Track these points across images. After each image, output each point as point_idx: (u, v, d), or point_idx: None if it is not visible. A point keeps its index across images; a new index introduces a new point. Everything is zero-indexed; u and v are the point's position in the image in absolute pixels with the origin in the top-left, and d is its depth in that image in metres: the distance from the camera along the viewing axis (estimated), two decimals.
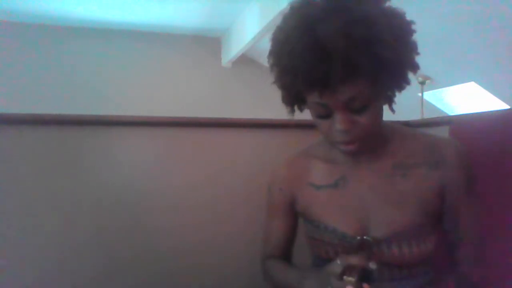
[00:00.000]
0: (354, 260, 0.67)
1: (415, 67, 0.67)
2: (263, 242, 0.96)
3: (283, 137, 1.32)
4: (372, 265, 0.67)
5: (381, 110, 0.71)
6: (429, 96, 4.40)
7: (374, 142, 0.77)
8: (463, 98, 4.29)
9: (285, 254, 0.93)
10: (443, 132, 1.17)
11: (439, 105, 4.64)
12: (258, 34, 3.64)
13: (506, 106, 3.78)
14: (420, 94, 3.92)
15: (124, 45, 4.71)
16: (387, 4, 0.66)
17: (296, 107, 0.75)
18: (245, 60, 5.01)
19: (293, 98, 0.72)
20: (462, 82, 3.92)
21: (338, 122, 0.67)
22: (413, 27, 0.66)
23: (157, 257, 1.22)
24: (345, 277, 0.66)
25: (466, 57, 3.42)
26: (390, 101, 0.71)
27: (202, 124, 1.29)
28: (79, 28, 4.51)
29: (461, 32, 3.09)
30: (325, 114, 0.69)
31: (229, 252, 1.28)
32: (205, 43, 5.04)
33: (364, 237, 0.76)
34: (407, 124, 1.33)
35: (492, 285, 0.89)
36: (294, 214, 0.90)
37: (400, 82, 0.67)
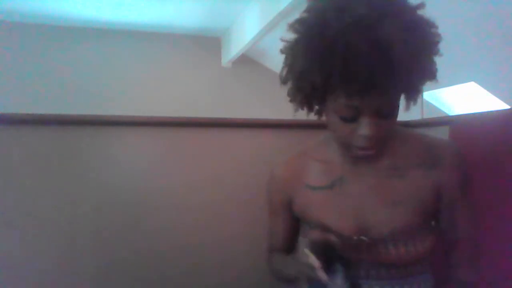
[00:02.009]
0: (314, 234, 0.71)
1: (434, 77, 0.68)
2: (267, 239, 0.97)
3: (283, 137, 1.32)
4: (333, 238, 0.69)
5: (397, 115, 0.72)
6: (429, 96, 4.41)
7: None
8: (463, 98, 4.29)
9: (289, 249, 0.94)
10: (443, 132, 1.17)
11: (439, 105, 4.64)
12: (258, 34, 3.64)
13: (506, 106, 3.78)
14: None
15: (124, 45, 4.71)
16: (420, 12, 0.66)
17: (305, 108, 0.73)
18: (245, 60, 5.01)
19: (312, 99, 0.70)
20: (462, 82, 3.92)
21: (366, 127, 0.66)
22: (439, 38, 0.67)
23: (157, 257, 1.22)
24: (305, 249, 0.67)
25: (466, 57, 3.42)
26: (415, 100, 0.71)
27: (202, 124, 1.29)
28: (79, 28, 4.51)
29: (461, 32, 3.09)
30: (352, 117, 0.67)
31: (230, 252, 1.28)
32: (205, 43, 5.04)
33: (361, 237, 0.76)
34: (407, 124, 1.33)
35: (488, 285, 0.89)
36: (294, 214, 0.90)
37: (420, 90, 0.68)
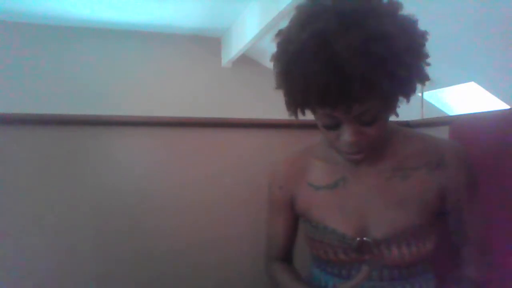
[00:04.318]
0: None
1: (424, 79, 0.66)
2: (266, 242, 0.96)
3: (283, 137, 1.32)
4: None
5: (388, 119, 0.71)
6: (429, 96, 4.41)
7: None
8: (463, 98, 4.29)
9: (288, 254, 0.93)
10: (443, 132, 1.16)
11: (439, 105, 4.65)
12: (258, 34, 3.64)
13: (506, 106, 3.78)
14: (420, 94, 3.93)
15: (124, 45, 4.71)
16: (401, 12, 0.64)
17: (299, 111, 0.73)
18: (245, 60, 5.01)
19: (299, 106, 0.70)
20: (462, 82, 3.92)
21: (347, 134, 0.67)
22: (426, 37, 0.65)
23: (156, 257, 1.22)
24: None
25: (466, 57, 3.42)
26: (395, 109, 0.70)
27: (202, 124, 1.29)
28: (79, 28, 4.51)
29: (461, 32, 3.09)
30: (333, 125, 0.68)
31: (230, 252, 1.28)
32: (205, 43, 5.04)
33: (364, 238, 0.76)
34: (407, 124, 1.33)
35: (494, 286, 0.89)
36: (295, 212, 0.90)
37: (409, 93, 0.67)
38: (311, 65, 0.60)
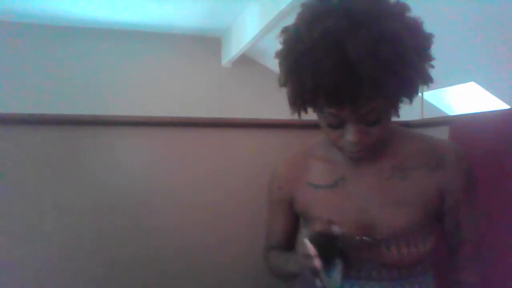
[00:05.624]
0: (317, 225, 0.68)
1: (428, 81, 0.67)
2: (264, 238, 0.97)
3: (283, 137, 1.32)
4: (337, 230, 0.67)
5: (390, 119, 0.72)
6: (429, 96, 4.41)
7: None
8: (463, 98, 4.29)
9: (287, 248, 0.93)
10: (443, 132, 1.17)
11: (439, 105, 4.64)
12: (258, 34, 3.64)
13: (506, 106, 3.78)
14: (420, 94, 3.92)
15: (124, 45, 4.70)
16: (407, 13, 0.65)
17: (302, 109, 0.73)
18: (245, 60, 5.01)
19: (305, 105, 0.71)
20: (462, 82, 3.92)
21: (351, 134, 0.68)
22: (432, 39, 0.66)
23: (156, 257, 1.22)
24: (304, 239, 0.66)
25: (466, 57, 3.42)
26: (398, 109, 0.71)
27: (202, 124, 1.29)
28: (79, 28, 4.50)
29: (461, 32, 3.09)
30: (338, 124, 0.69)
31: (230, 252, 1.28)
32: (205, 43, 5.03)
33: (363, 237, 0.76)
34: (407, 124, 1.33)
35: (492, 286, 0.89)
36: (294, 212, 0.90)
37: (413, 94, 0.67)
38: (321, 64, 0.60)
